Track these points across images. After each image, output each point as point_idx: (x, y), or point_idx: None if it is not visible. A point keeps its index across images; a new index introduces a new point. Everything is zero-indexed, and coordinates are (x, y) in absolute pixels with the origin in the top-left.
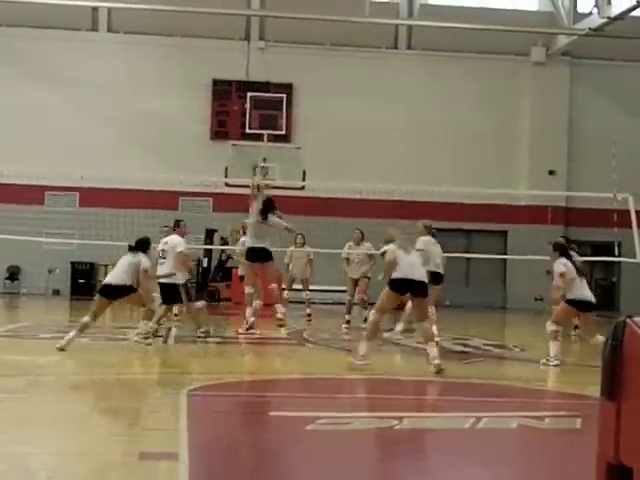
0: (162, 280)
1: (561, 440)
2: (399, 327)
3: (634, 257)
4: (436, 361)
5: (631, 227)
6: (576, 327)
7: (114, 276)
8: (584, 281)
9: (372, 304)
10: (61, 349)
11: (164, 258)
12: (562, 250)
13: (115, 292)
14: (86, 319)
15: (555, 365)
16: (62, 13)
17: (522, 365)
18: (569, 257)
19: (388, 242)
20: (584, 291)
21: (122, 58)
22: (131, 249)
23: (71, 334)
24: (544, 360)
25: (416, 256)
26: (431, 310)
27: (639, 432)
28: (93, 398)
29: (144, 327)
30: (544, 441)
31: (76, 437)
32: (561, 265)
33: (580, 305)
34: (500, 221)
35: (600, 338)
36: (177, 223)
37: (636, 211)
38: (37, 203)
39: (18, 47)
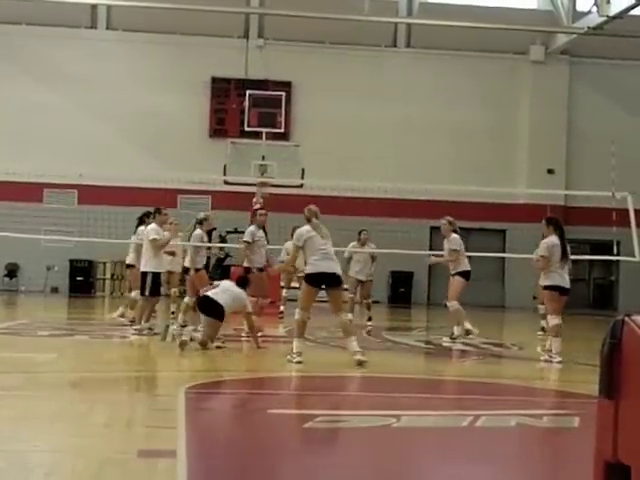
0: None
1: (559, 439)
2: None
3: (633, 256)
4: (357, 357)
5: (630, 226)
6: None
7: None
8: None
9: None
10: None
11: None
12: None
13: None
14: None
15: (558, 362)
16: (61, 10)
17: (520, 363)
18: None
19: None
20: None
21: (121, 56)
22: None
23: None
24: (546, 357)
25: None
26: (456, 305)
27: (637, 431)
28: (91, 395)
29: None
30: (542, 440)
31: (74, 434)
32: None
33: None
34: (499, 220)
35: None
36: (158, 210)
37: (635, 210)
38: (36, 200)
39: (17, 44)
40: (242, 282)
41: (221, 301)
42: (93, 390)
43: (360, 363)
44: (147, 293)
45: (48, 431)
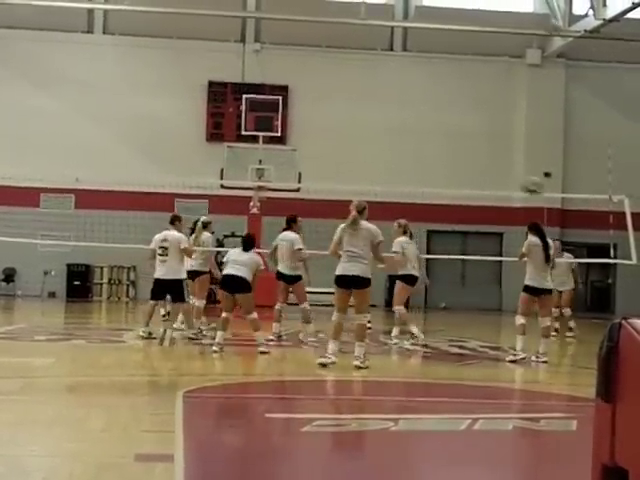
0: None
1: (556, 442)
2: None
3: (630, 259)
4: (356, 362)
5: (627, 229)
6: (570, 329)
7: None
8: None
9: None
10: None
11: (167, 255)
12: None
13: None
14: None
15: (522, 359)
16: (58, 15)
17: (518, 367)
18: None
19: None
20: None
21: (118, 60)
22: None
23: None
24: (510, 356)
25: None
26: (402, 310)
27: (635, 434)
28: (89, 400)
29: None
30: (540, 443)
31: (72, 439)
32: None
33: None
34: (496, 223)
35: None
36: (179, 218)
37: (632, 213)
38: (33, 205)
39: (13, 48)
40: (248, 243)
41: (240, 273)
42: (90, 394)
43: (357, 368)
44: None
45: (46, 436)
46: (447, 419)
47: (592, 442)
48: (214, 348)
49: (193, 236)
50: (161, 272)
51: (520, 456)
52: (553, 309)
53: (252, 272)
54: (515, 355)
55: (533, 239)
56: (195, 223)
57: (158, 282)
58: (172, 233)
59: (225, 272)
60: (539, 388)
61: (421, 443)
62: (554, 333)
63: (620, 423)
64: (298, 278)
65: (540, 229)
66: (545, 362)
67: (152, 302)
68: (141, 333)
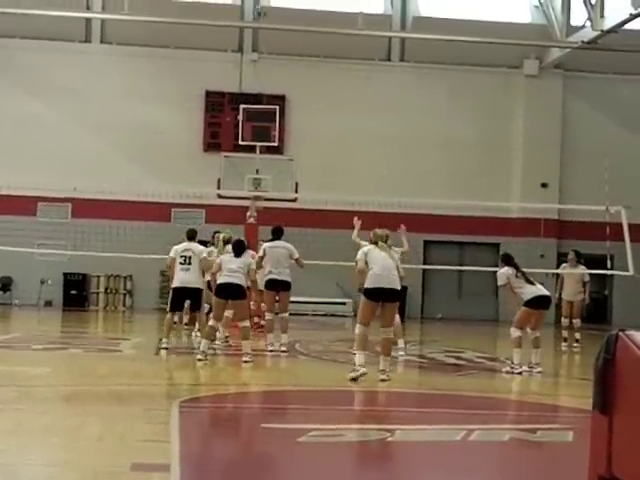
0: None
1: (553, 453)
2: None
3: (627, 270)
4: (381, 376)
5: (624, 240)
6: (577, 340)
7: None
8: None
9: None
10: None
11: (189, 264)
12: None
13: None
14: None
15: (519, 373)
16: (55, 24)
17: (514, 378)
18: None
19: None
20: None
21: (115, 69)
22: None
23: None
24: (507, 368)
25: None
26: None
27: (631, 445)
28: (85, 409)
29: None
30: (536, 454)
31: (68, 448)
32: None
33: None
34: (493, 233)
35: None
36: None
37: (629, 224)
38: (29, 214)
39: (11, 57)
40: (240, 248)
41: (236, 281)
42: (87, 404)
43: (382, 380)
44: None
45: (42, 445)
46: (443, 430)
47: (589, 453)
48: (199, 357)
49: (216, 250)
50: (183, 280)
51: (516, 467)
52: (563, 319)
53: (246, 277)
54: (513, 368)
55: (503, 270)
56: (213, 237)
57: (179, 290)
58: (195, 244)
59: (221, 281)
60: (536, 399)
61: (417, 454)
62: (564, 343)
63: (617, 434)
64: (290, 286)
65: (510, 259)
66: (540, 372)
67: (171, 314)
68: (164, 345)
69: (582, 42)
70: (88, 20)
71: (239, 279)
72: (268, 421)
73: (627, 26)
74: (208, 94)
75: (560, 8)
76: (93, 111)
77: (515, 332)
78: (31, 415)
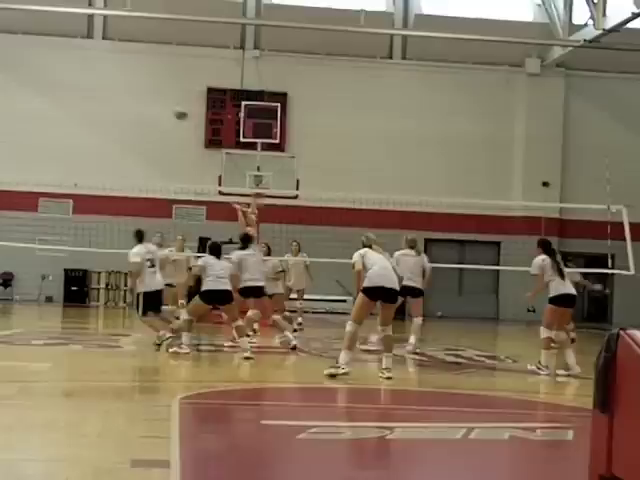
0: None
1: (553, 452)
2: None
3: (627, 269)
4: (386, 374)
5: (625, 239)
6: (573, 340)
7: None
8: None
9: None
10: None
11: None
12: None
13: None
14: None
15: (546, 375)
16: (57, 20)
17: (514, 376)
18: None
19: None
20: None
21: (117, 66)
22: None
23: None
24: (533, 366)
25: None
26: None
27: (632, 444)
28: (85, 405)
29: None
30: (536, 453)
31: (68, 444)
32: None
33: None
34: (493, 232)
35: None
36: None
37: (630, 223)
38: (31, 210)
39: (13, 54)
40: (219, 250)
41: (224, 287)
42: (87, 400)
43: (387, 378)
44: None
45: (42, 440)
46: (443, 428)
47: (589, 452)
48: (186, 351)
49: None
50: (154, 283)
51: (516, 466)
52: None
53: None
54: (539, 368)
55: (545, 260)
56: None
57: (153, 294)
58: (151, 245)
59: (210, 288)
60: (536, 398)
61: (416, 451)
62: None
63: (617, 433)
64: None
65: (549, 245)
66: (574, 375)
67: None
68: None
69: (584, 41)
70: (90, 16)
71: (226, 284)
72: (268, 418)
73: (629, 25)
74: (210, 91)
75: (562, 6)
76: (94, 107)
77: (545, 332)
78: (31, 411)
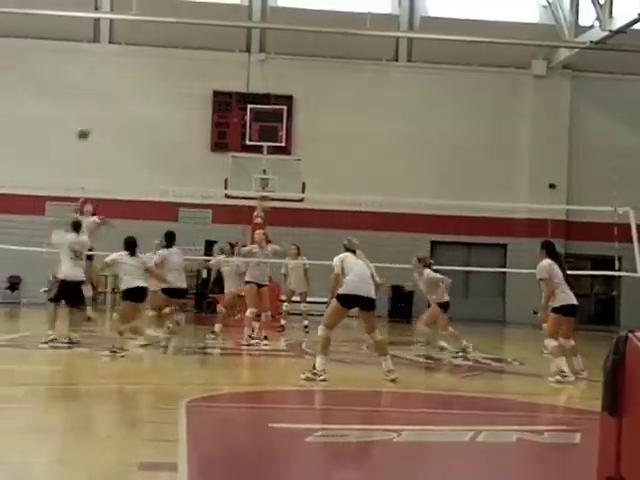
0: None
1: (560, 454)
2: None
3: (635, 271)
4: (391, 376)
5: (631, 241)
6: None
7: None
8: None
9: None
10: None
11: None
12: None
13: None
14: None
15: (571, 382)
16: (64, 24)
17: (521, 379)
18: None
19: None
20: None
21: (123, 69)
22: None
23: None
24: (557, 377)
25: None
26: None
27: None
28: (92, 408)
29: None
30: (543, 455)
31: (75, 447)
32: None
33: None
34: (500, 234)
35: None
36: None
37: (637, 225)
38: (38, 213)
39: (20, 57)
40: (129, 245)
41: (140, 284)
42: (94, 403)
43: (392, 380)
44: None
45: (49, 443)
46: (450, 430)
47: (596, 455)
48: (122, 354)
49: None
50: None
51: (523, 468)
52: None
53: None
54: (564, 377)
55: (551, 263)
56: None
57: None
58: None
59: (129, 286)
60: (543, 400)
61: (424, 454)
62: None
63: (625, 436)
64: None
65: (552, 248)
66: (585, 378)
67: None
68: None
69: (590, 42)
70: (97, 20)
71: (143, 281)
72: (275, 420)
73: (636, 26)
74: (216, 94)
75: (568, 8)
76: (101, 111)
77: (550, 342)
78: (38, 413)
